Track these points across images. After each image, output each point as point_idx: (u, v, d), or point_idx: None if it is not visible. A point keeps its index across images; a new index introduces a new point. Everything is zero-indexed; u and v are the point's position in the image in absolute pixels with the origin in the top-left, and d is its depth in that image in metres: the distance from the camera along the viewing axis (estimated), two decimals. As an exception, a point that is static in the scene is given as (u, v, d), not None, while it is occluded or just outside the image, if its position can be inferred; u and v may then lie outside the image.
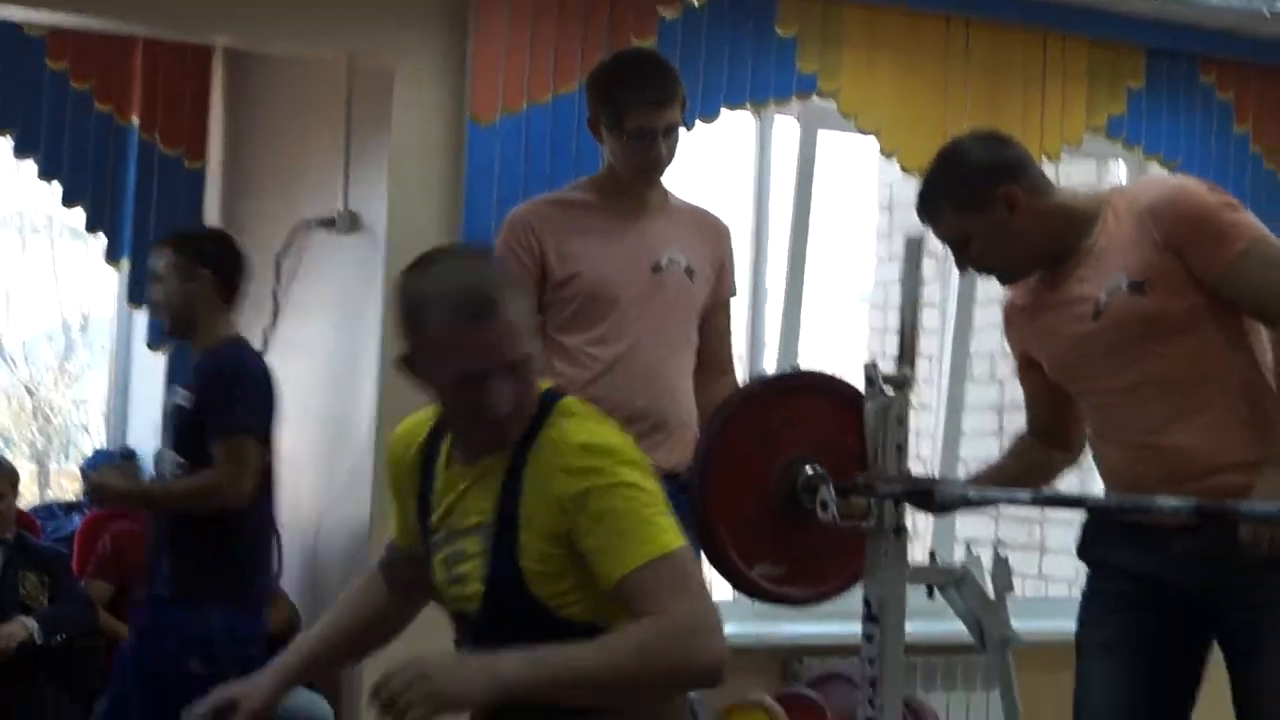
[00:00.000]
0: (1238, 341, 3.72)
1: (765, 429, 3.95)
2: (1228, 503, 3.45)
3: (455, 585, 2.99)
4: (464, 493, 2.98)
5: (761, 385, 4.23)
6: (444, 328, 2.82)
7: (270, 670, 3.19)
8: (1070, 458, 4.12)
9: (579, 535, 2.81)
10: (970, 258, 3.86)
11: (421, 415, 3.15)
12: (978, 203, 3.79)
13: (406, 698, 2.66)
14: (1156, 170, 6.45)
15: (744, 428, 3.96)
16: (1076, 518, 6.90)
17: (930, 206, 3.89)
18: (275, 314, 6.00)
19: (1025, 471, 4.05)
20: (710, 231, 4.64)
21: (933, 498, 3.74)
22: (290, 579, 5.81)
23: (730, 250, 4.70)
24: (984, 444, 7.41)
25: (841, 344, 7.96)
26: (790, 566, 4.01)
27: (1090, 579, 4.01)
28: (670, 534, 2.80)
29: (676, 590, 2.74)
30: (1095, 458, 3.96)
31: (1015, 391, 7.16)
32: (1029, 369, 4.02)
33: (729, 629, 5.56)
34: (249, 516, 4.94)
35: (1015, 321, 4.00)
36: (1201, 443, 3.70)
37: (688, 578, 2.77)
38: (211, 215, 6.32)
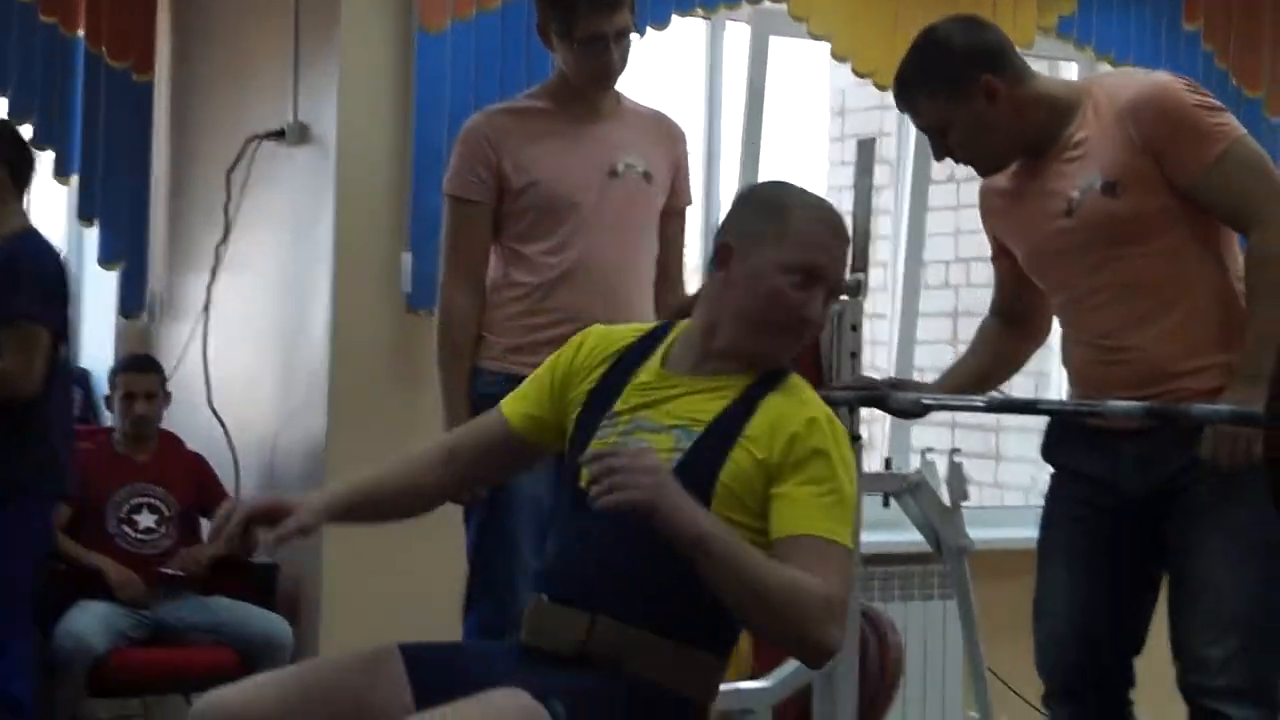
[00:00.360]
0: (1208, 248, 3.70)
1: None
2: (1180, 406, 3.43)
3: None
4: (676, 396, 3.08)
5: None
6: (809, 224, 3.07)
7: (320, 494, 3.24)
8: (1035, 344, 4.11)
9: (786, 473, 2.93)
10: (948, 147, 3.81)
11: (623, 328, 3.31)
12: (956, 91, 3.73)
13: (634, 479, 2.77)
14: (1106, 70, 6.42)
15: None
16: (1033, 425, 6.92)
17: (908, 93, 3.83)
18: (226, 229, 5.94)
19: (995, 362, 4.05)
20: (666, 136, 4.60)
21: (886, 402, 3.73)
22: (247, 494, 5.79)
23: (686, 155, 4.66)
24: (939, 351, 7.41)
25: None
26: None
27: (1052, 482, 4.01)
28: (853, 539, 2.96)
29: (837, 576, 2.86)
30: (1064, 358, 3.95)
31: (969, 299, 7.18)
32: (1002, 255, 4.00)
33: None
34: (39, 408, 5.00)
35: (992, 207, 3.97)
36: (1164, 347, 3.69)
37: (847, 576, 2.92)
38: (160, 129, 6.26)
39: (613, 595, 2.97)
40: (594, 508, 2.79)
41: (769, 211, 3.11)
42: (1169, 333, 3.69)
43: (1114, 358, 3.75)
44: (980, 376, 4.00)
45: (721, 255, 3.12)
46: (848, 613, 2.94)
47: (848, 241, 3.15)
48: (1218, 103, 3.71)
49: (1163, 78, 3.74)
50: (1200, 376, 3.64)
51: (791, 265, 3.05)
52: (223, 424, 5.87)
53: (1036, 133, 3.76)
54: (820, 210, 3.12)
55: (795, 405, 3.02)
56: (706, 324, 3.13)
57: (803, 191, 3.16)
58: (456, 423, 4.36)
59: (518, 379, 4.34)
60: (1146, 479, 3.72)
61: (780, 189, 3.16)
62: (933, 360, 7.02)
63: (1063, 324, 3.91)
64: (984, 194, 4.00)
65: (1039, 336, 4.10)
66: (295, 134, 5.69)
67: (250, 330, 5.95)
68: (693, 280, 4.72)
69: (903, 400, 3.74)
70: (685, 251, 4.72)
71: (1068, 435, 3.91)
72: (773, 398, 3.03)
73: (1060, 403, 3.67)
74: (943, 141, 3.80)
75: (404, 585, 5.39)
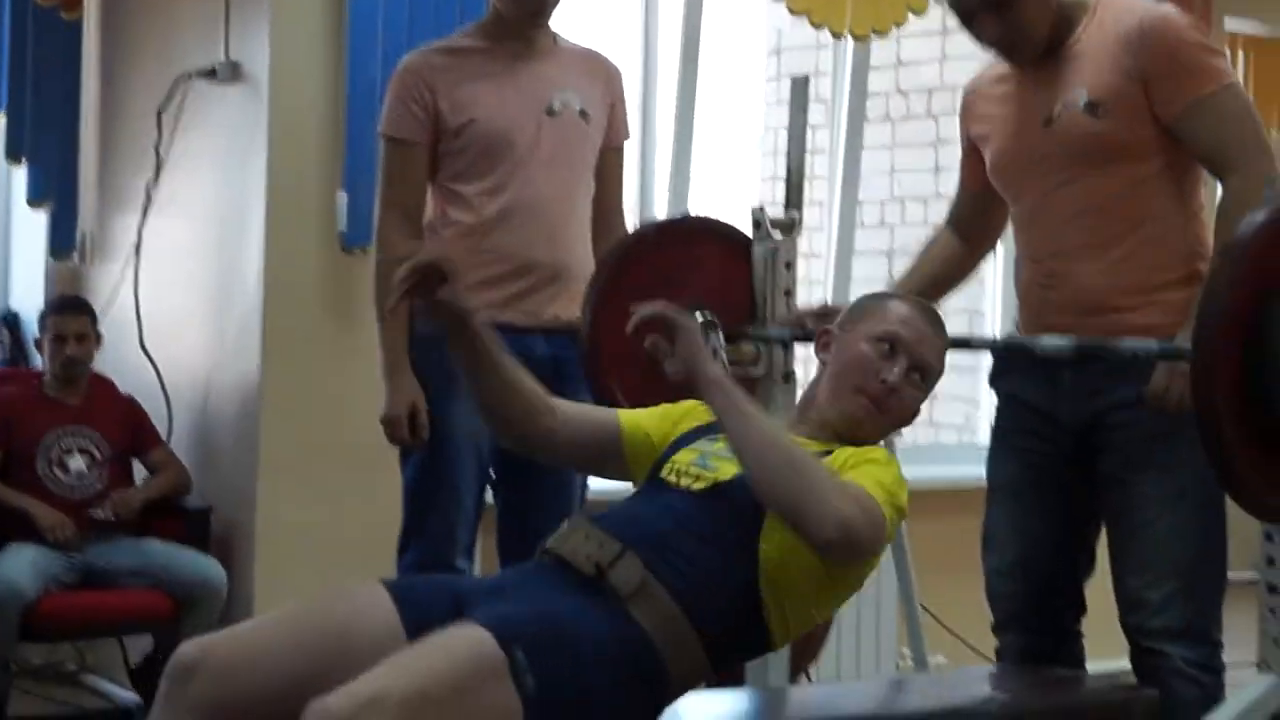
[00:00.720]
0: (1175, 187, 3.71)
1: (655, 274, 3.93)
2: (1110, 340, 3.43)
3: (699, 466, 3.18)
4: None
5: (653, 230, 4.22)
6: (901, 305, 3.33)
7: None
8: (980, 259, 4.13)
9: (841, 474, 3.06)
10: (1005, 21, 3.73)
11: None
12: None
13: (686, 341, 3.09)
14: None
15: (634, 272, 3.94)
16: (967, 364, 6.95)
17: None
18: (158, 169, 5.90)
19: (943, 269, 4.06)
20: (601, 73, 4.57)
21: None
22: (180, 439, 5.76)
23: (622, 92, 4.63)
24: (874, 290, 7.41)
25: (732, 193, 7.92)
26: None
27: (998, 412, 4.03)
28: (890, 524, 3.04)
29: (859, 501, 2.96)
30: (1015, 276, 3.96)
31: (905, 238, 7.18)
32: (971, 158, 3.99)
33: (621, 482, 5.54)
34: None
35: (974, 108, 3.97)
36: (1108, 279, 3.70)
37: (874, 512, 2.98)
38: (89, 68, 6.19)
39: (656, 551, 3.00)
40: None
41: (871, 301, 3.39)
42: (1116, 263, 3.69)
43: (1056, 280, 3.77)
44: (929, 285, 4.01)
45: (822, 341, 3.36)
46: (877, 531, 2.99)
47: (942, 331, 3.32)
48: (1218, 47, 3.71)
49: (1170, 11, 3.74)
50: (1141, 312, 3.64)
51: (876, 334, 3.25)
52: (155, 365, 5.83)
53: (1052, 32, 3.75)
54: (916, 302, 3.39)
55: (861, 449, 3.16)
56: (805, 398, 3.37)
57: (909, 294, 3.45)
58: (394, 364, 4.35)
59: (457, 319, 4.35)
60: (1084, 410, 3.73)
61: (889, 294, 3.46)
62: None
63: (1017, 237, 3.92)
64: (968, 95, 4.00)
65: (983, 250, 4.13)
66: (227, 72, 5.64)
67: (182, 271, 5.91)
68: (630, 219, 4.72)
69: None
70: (623, 189, 4.71)
71: (1012, 362, 3.93)
72: (847, 447, 3.18)
73: (994, 339, 3.66)
74: (1000, 15, 3.73)
75: (338, 527, 5.37)
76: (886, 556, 4.51)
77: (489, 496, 4.53)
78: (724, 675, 3.28)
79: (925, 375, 3.27)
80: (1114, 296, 3.69)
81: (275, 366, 5.42)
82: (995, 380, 4.03)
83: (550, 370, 4.41)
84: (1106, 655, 3.98)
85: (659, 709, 2.99)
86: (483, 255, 4.35)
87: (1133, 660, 3.81)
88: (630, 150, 4.78)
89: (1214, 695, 3.73)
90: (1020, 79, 3.82)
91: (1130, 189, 3.69)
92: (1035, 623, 3.90)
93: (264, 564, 5.38)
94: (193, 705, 2.87)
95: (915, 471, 4.36)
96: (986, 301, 7.01)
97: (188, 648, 2.91)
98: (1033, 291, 3.84)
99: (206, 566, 5.38)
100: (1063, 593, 3.91)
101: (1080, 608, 3.94)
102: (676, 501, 3.13)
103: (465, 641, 2.78)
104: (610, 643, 2.88)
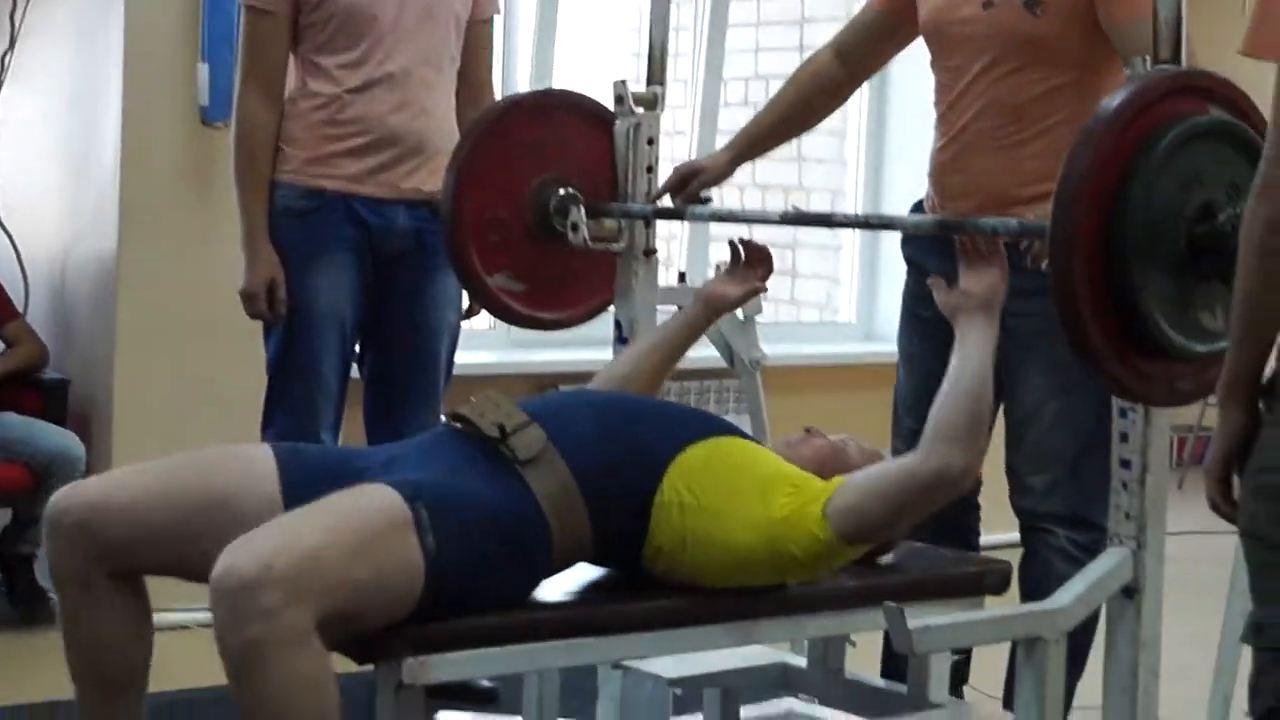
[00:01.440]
0: (1091, 101, 3.69)
1: (517, 148, 3.92)
2: (970, 219, 3.44)
3: None
4: None
5: (515, 103, 4.18)
6: None
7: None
8: (852, 90, 4.13)
9: None
10: None
11: None
12: None
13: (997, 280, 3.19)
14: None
15: (496, 146, 3.91)
16: (830, 243, 6.97)
17: None
18: (13, 40, 5.77)
19: (816, 93, 4.05)
20: (467, -54, 4.53)
21: (681, 217, 3.72)
22: (37, 312, 5.68)
23: None
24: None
25: (596, 68, 7.87)
26: (540, 287, 4.00)
27: (906, 278, 4.08)
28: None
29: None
30: (932, 152, 3.98)
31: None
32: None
33: (486, 358, 5.61)
34: None
35: None
36: (1012, 176, 3.74)
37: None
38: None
39: (564, 431, 3.01)
40: None
41: None
42: (1021, 160, 3.74)
43: (961, 164, 3.82)
44: (778, 122, 4.02)
45: None
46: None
47: None
48: None
49: None
50: (1039, 206, 3.66)
51: None
52: (11, 239, 5.74)
53: None
54: None
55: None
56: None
57: None
58: (253, 237, 4.31)
59: (317, 192, 4.32)
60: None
61: None
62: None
63: (937, 99, 3.93)
64: None
65: (858, 84, 4.13)
66: (82, -59, 5.53)
67: (39, 144, 5.81)
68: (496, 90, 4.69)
69: (699, 213, 3.72)
70: (491, 63, 4.67)
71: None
72: None
73: (854, 216, 3.67)
74: None
75: (198, 400, 5.33)
76: (746, 429, 4.55)
77: (356, 374, 4.52)
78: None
79: None
80: (1015, 188, 3.73)
81: (133, 241, 5.34)
82: (903, 245, 4.07)
83: (412, 242, 4.40)
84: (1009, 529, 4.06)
85: (537, 583, 3.00)
86: (343, 127, 4.32)
87: (1021, 537, 3.88)
88: (497, 21, 4.74)
89: None
90: None
91: (1053, 91, 3.72)
92: None
93: (122, 438, 5.32)
94: (72, 542, 2.90)
95: (775, 349, 4.40)
96: (848, 180, 7.03)
97: (60, 492, 2.96)
98: (939, 171, 3.89)
99: (64, 440, 5.32)
100: None
101: (977, 480, 3.98)
102: (598, 399, 3.21)
103: (371, 496, 2.79)
104: (501, 510, 2.89)
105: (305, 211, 4.34)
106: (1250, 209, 2.33)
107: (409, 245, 4.41)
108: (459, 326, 4.58)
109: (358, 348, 4.51)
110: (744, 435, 3.27)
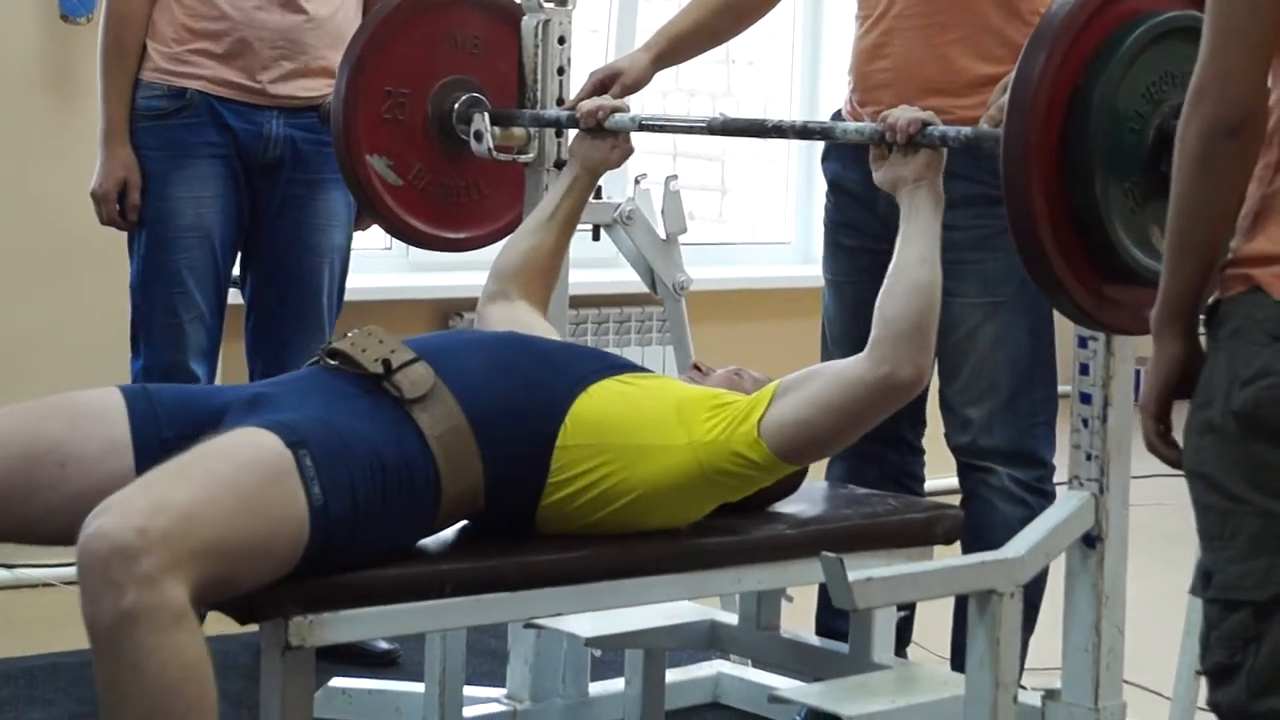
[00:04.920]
0: None
1: (416, 48, 3.91)
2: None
3: None
4: None
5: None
6: None
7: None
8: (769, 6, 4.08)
9: None
10: None
11: None
12: None
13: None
14: None
15: (391, 46, 3.89)
16: (761, 156, 6.95)
17: None
18: None
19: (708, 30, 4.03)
20: None
21: (598, 126, 3.69)
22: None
23: None
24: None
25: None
26: (441, 203, 3.98)
27: (826, 199, 4.08)
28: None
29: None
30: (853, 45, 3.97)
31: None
32: None
33: (385, 282, 5.57)
34: None
35: None
36: (940, 65, 3.75)
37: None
38: None
39: (454, 368, 3.01)
40: None
41: None
42: (947, 46, 3.75)
43: (888, 53, 3.81)
44: (696, 29, 4.00)
45: None
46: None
47: None
48: None
49: None
50: (968, 101, 3.67)
51: None
52: None
53: None
54: None
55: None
56: None
57: None
58: (110, 134, 4.30)
59: (179, 93, 4.28)
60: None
61: None
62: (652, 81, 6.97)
63: None
64: None
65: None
66: None
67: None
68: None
69: (620, 122, 3.69)
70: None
71: (837, 148, 3.96)
72: None
73: (790, 124, 3.64)
74: None
75: (63, 331, 5.27)
76: (673, 362, 4.54)
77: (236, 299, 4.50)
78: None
79: None
80: (941, 81, 3.73)
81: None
82: (823, 162, 4.07)
83: (288, 152, 4.36)
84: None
85: (426, 531, 2.99)
86: (210, 20, 4.29)
87: (960, 478, 3.88)
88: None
89: None
90: None
91: None
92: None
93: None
94: None
95: (702, 272, 4.39)
96: (782, 86, 7.01)
97: None
98: (861, 63, 3.87)
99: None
100: None
101: (920, 421, 3.98)
102: (489, 337, 3.21)
103: (249, 444, 2.76)
104: (388, 453, 2.86)
105: (166, 113, 4.31)
106: (1185, 117, 2.32)
107: (283, 156, 4.37)
108: (348, 250, 4.55)
109: (237, 271, 4.48)
110: (645, 370, 3.28)
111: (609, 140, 3.68)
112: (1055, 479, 3.83)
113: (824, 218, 4.08)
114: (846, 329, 3.92)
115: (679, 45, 4.02)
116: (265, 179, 4.39)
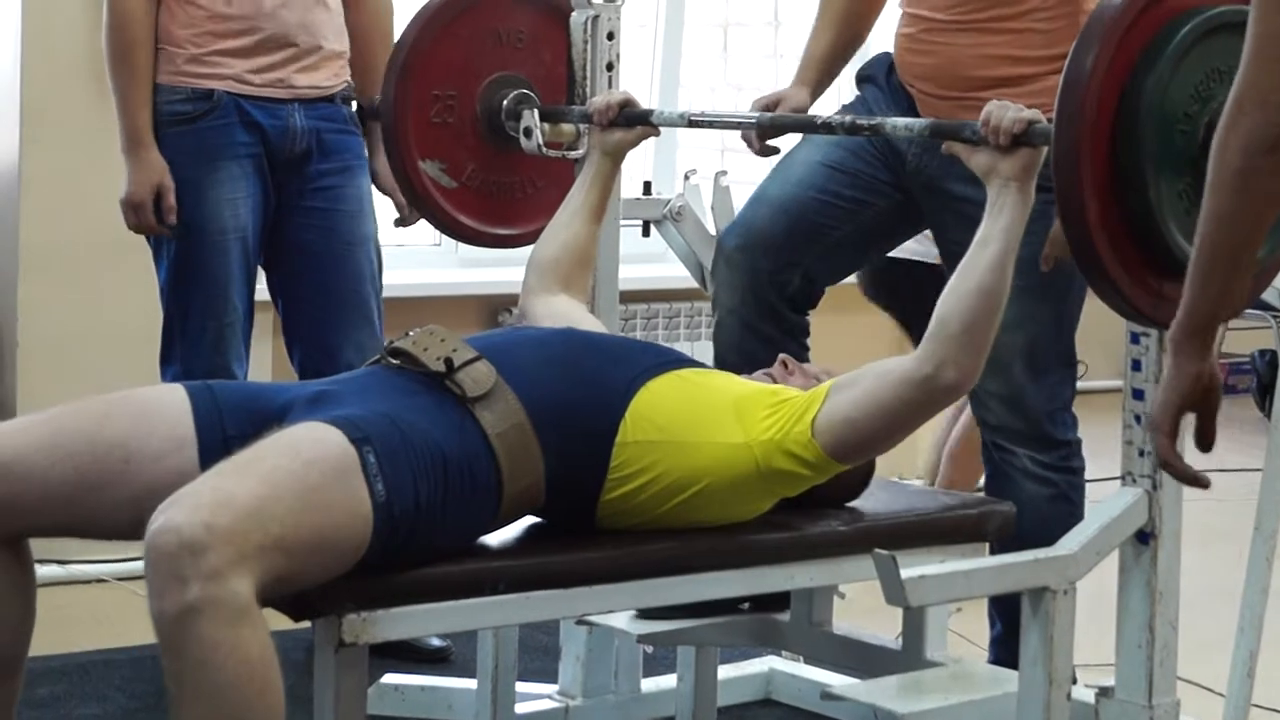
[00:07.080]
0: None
1: (464, 46, 3.93)
2: (964, 122, 3.45)
3: None
4: None
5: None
6: None
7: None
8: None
9: None
10: None
11: None
12: None
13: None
14: None
15: (440, 45, 3.91)
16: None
17: None
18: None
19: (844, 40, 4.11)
20: None
21: (648, 120, 3.71)
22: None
23: None
24: (706, 65, 7.39)
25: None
26: (490, 200, 4.00)
27: (854, 100, 4.09)
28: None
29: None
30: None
31: (740, 8, 7.14)
32: None
33: (434, 278, 5.59)
34: None
35: None
36: (980, 61, 3.77)
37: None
38: None
39: (516, 365, 3.03)
40: None
41: None
42: (991, 42, 3.76)
43: (928, 47, 3.84)
44: (840, 39, 4.10)
45: None
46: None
47: None
48: None
49: None
50: (1010, 95, 3.68)
51: None
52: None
53: None
54: None
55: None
56: None
57: None
58: (136, 138, 4.28)
59: (205, 94, 4.29)
60: (930, 166, 3.82)
61: None
62: (700, 76, 7.00)
63: None
64: None
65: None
66: None
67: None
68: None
69: (668, 117, 3.72)
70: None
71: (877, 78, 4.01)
72: None
73: (842, 120, 3.65)
74: None
75: (108, 331, 5.30)
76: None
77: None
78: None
79: None
80: (984, 76, 3.74)
81: (35, 140, 5.31)
82: (861, 83, 4.07)
83: (312, 143, 4.38)
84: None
85: (488, 528, 3.01)
86: (228, 23, 4.30)
87: (984, 458, 3.91)
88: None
89: (1068, 495, 3.84)
90: None
91: None
92: (753, 260, 3.98)
93: (28, 374, 5.30)
94: None
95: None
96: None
97: None
98: (909, 45, 3.90)
99: None
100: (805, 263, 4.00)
101: (810, 300, 4.05)
102: (547, 334, 3.23)
103: (314, 440, 2.78)
104: (450, 450, 2.89)
105: (193, 116, 4.32)
106: (1223, 129, 2.24)
107: (310, 147, 4.40)
108: (378, 240, 4.57)
109: (265, 270, 4.51)
110: (702, 365, 3.30)
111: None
112: (1097, 471, 3.81)
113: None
114: (792, 179, 3.96)
115: (827, 66, 4.11)
116: (290, 172, 4.41)
